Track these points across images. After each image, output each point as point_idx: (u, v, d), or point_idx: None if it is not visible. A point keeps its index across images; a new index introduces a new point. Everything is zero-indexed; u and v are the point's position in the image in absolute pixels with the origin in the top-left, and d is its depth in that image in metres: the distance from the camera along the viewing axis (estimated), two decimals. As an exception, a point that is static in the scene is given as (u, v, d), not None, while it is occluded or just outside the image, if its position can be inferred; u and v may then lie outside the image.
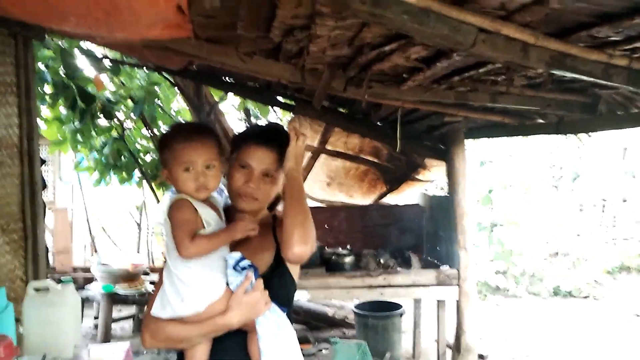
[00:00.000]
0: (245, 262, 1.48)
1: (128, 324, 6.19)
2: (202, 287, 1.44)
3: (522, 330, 6.40)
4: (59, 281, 2.81)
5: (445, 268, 4.60)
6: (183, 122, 4.65)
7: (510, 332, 6.33)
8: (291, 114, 5.20)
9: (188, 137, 1.49)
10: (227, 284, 1.48)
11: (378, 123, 4.93)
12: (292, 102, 4.69)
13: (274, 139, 1.62)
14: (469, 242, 4.56)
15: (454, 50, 2.21)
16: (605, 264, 8.93)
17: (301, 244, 1.47)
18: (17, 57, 3.34)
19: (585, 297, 7.99)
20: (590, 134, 3.87)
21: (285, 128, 1.75)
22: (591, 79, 2.13)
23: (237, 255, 1.48)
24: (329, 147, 5.38)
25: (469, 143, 4.68)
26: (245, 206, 1.59)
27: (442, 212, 4.94)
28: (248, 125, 3.34)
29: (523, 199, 8.85)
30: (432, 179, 6.02)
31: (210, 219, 1.49)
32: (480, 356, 5.16)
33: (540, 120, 3.86)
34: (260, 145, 1.59)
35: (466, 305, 4.55)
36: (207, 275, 1.45)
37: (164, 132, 1.64)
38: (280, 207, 1.78)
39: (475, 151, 9.68)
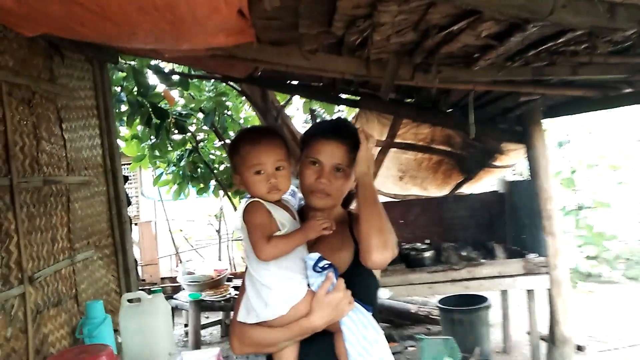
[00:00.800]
0: (325, 262, 1.45)
1: (216, 330, 6.37)
2: (283, 289, 1.43)
3: (622, 317, 5.97)
4: (149, 292, 2.92)
5: (532, 256, 4.39)
6: (248, 127, 4.74)
7: (609, 320, 5.92)
8: (357, 110, 5.15)
9: (255, 141, 1.49)
10: (309, 285, 1.46)
11: (449, 110, 4.77)
12: (357, 98, 4.64)
13: (342, 132, 1.59)
14: (556, 228, 4.31)
15: (530, 21, 2.06)
16: None
17: (380, 251, 1.44)
18: (95, 81, 3.54)
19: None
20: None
21: (351, 123, 1.71)
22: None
23: (315, 255, 1.46)
24: (398, 140, 5.27)
25: (547, 122, 4.41)
26: (318, 203, 1.57)
27: (524, 198, 4.72)
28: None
29: (610, 178, 8.27)
30: (510, 164, 5.76)
31: (284, 220, 1.48)
32: (579, 347, 4.86)
33: (628, 89, 3.55)
34: (329, 139, 1.56)
35: (558, 294, 4.30)
36: (288, 277, 1.44)
37: (232, 138, 1.64)
38: (354, 205, 1.75)
39: (553, 131, 9.17)
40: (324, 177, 1.54)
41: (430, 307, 6.16)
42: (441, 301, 5.31)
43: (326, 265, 1.45)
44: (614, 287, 7.34)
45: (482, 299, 5.11)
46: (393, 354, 1.56)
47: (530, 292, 4.55)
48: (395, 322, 6.03)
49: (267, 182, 1.46)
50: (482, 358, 4.72)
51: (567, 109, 4.36)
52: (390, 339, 5.12)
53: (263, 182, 1.47)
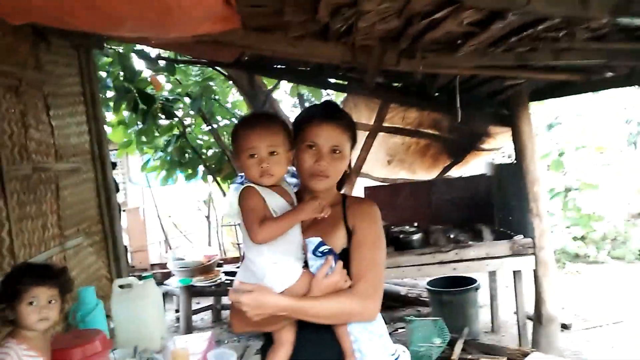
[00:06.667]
0: (325, 247, 1.49)
1: (207, 315, 6.43)
2: (277, 272, 1.46)
3: (607, 296, 6.10)
4: (139, 278, 2.95)
5: (519, 238, 4.46)
6: (254, 112, 4.72)
7: (595, 299, 6.05)
8: (345, 95, 5.17)
9: (252, 125, 1.52)
10: (306, 267, 1.49)
11: (435, 94, 4.81)
12: (345, 82, 4.66)
13: (335, 114, 1.61)
14: (542, 209, 4.39)
15: (509, 11, 2.10)
16: (692, 221, 8.35)
17: (367, 315, 1.52)
18: (81, 67, 3.52)
19: (674, 258, 7.50)
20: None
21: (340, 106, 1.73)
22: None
23: (316, 240, 1.50)
24: (386, 124, 5.30)
25: (533, 105, 4.46)
26: (319, 185, 1.58)
27: (511, 180, 4.78)
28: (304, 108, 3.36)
29: (598, 160, 8.37)
30: (498, 147, 5.82)
31: (276, 206, 1.49)
32: (564, 326, 4.98)
33: (609, 74, 3.61)
34: (324, 122, 1.57)
35: (544, 274, 4.39)
36: (281, 260, 1.47)
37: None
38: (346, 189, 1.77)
39: (542, 114, 9.24)
40: (323, 160, 1.55)
41: (420, 289, 6.25)
42: (430, 283, 5.39)
43: (326, 250, 1.48)
44: (600, 267, 7.48)
45: (471, 281, 5.21)
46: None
47: (517, 273, 4.63)
48: (385, 304, 6.07)
49: (258, 166, 1.47)
50: (470, 338, 4.82)
51: (553, 93, 4.42)
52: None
53: (255, 166, 1.48)
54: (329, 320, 1.50)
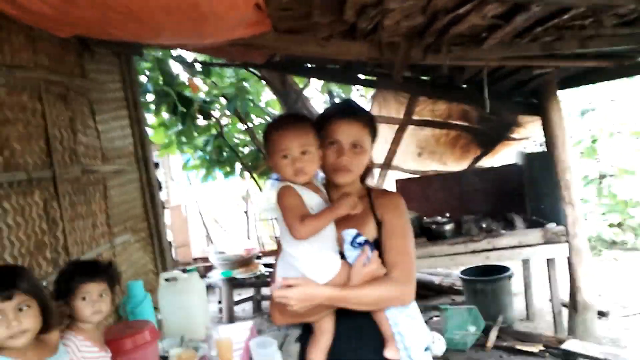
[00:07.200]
0: (362, 238, 1.58)
1: (248, 306, 6.61)
2: (318, 265, 1.54)
3: (647, 283, 6.01)
4: (184, 271, 3.12)
5: (551, 226, 4.46)
6: (280, 114, 4.85)
7: (633, 286, 5.95)
8: (374, 90, 5.25)
9: (283, 127, 1.60)
10: (344, 258, 1.58)
11: (464, 86, 4.84)
12: (373, 78, 4.74)
13: (353, 111, 1.71)
14: (574, 197, 4.38)
15: (532, 2, 2.15)
16: None
17: (403, 299, 1.59)
18: (122, 73, 3.72)
19: None
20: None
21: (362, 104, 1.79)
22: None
23: (353, 231, 1.59)
24: (415, 117, 5.36)
25: (563, 93, 4.43)
26: (342, 179, 1.67)
27: (542, 169, 4.77)
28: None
29: (633, 145, 8.15)
30: (528, 136, 5.79)
31: (312, 203, 1.58)
32: (601, 313, 4.95)
33: (642, 58, 3.58)
34: (343, 119, 1.66)
35: (578, 262, 4.38)
36: (321, 254, 1.55)
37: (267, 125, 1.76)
38: (370, 180, 1.85)
39: (575, 100, 9.07)
40: (344, 155, 1.64)
41: (454, 278, 6.28)
42: (463, 272, 5.43)
43: (362, 241, 1.57)
44: (638, 254, 7.33)
45: (504, 269, 5.22)
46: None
47: (550, 261, 4.63)
48: (420, 293, 6.12)
49: (292, 166, 1.55)
50: (505, 325, 4.85)
51: (583, 80, 4.39)
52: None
53: (289, 166, 1.56)
54: (370, 307, 1.58)
